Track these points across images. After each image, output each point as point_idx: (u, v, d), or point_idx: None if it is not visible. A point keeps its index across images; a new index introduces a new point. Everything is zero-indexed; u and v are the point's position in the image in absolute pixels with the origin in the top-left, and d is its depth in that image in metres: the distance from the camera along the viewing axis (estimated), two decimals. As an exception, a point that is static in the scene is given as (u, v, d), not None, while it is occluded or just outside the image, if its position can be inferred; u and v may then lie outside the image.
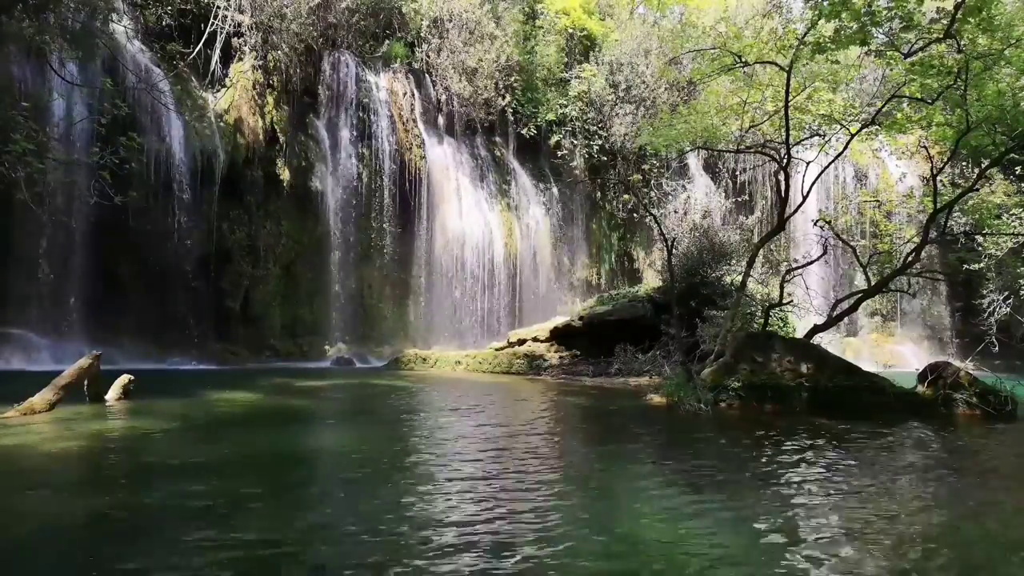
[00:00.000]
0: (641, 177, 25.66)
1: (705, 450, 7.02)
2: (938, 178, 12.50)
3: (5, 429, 6.51)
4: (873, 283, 12.89)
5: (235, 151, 18.47)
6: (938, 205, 11.66)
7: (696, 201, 20.89)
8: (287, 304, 19.69)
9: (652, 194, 24.69)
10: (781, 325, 15.14)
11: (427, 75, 23.19)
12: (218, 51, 18.74)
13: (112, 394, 8.67)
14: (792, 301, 13.74)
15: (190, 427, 7.36)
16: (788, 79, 11.17)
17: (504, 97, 23.88)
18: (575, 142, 25.11)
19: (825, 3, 10.00)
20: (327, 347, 19.70)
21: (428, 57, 23.11)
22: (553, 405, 10.39)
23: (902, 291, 18.79)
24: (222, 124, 18.35)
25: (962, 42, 9.89)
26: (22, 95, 13.46)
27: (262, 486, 4.89)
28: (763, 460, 6.12)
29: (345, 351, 19.44)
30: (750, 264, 12.88)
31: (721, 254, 16.80)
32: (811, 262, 13.73)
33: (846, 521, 4.19)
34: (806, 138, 13.23)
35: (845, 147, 13.04)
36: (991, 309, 20.14)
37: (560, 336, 17.22)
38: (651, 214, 16.17)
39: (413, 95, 22.59)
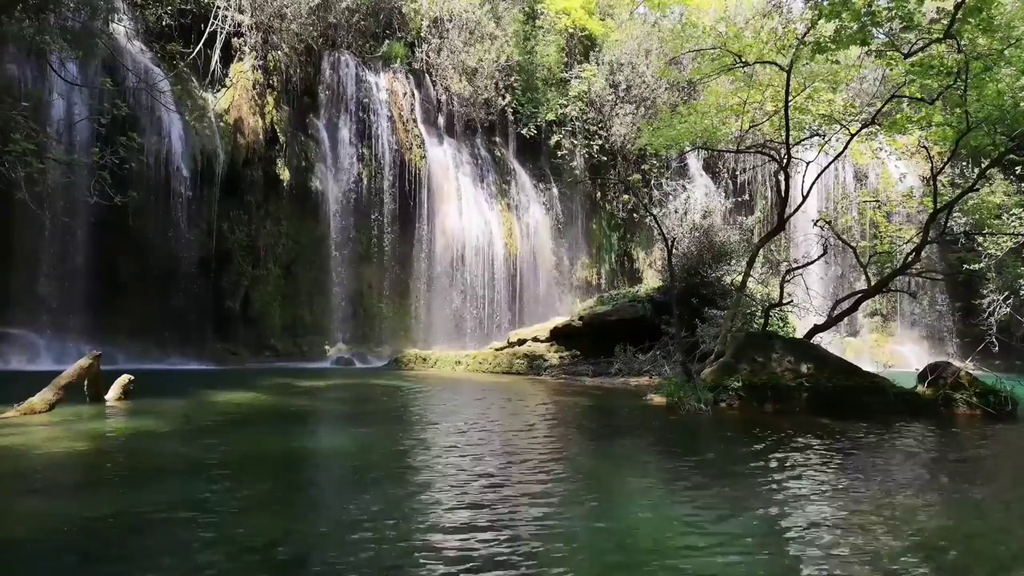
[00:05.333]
0: (641, 177, 25.67)
1: (705, 450, 7.02)
2: (938, 178, 12.50)
3: (5, 429, 6.50)
4: (873, 283, 12.89)
5: (235, 151, 18.47)
6: (938, 205, 11.66)
7: (696, 201, 20.88)
8: (287, 304, 19.68)
9: (652, 194, 24.70)
10: (781, 325, 15.14)
11: (427, 75, 23.18)
12: (218, 51, 18.74)
13: (112, 394, 8.67)
14: (792, 301, 13.74)
15: (190, 427, 7.36)
16: (788, 79, 11.18)
17: (504, 97, 23.88)
18: (575, 142, 25.11)
19: (825, 3, 10.00)
20: (327, 347, 19.70)
21: (428, 57, 23.11)
22: (553, 405, 10.39)
23: (902, 291, 18.81)
24: (222, 124, 18.35)
25: (962, 42, 9.88)
26: (22, 95, 13.45)
27: (262, 487, 4.89)
28: (763, 460, 6.11)
29: (345, 351, 19.44)
30: (750, 264, 12.88)
31: (721, 254, 16.79)
32: (811, 262, 13.74)
33: (846, 520, 4.19)
34: (806, 138, 13.23)
35: (845, 147, 13.05)
36: (991, 309, 20.14)
37: (560, 336, 17.22)
38: (651, 214, 16.19)
39: (413, 95, 22.59)
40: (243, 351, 18.25)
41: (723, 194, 25.96)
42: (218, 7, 18.46)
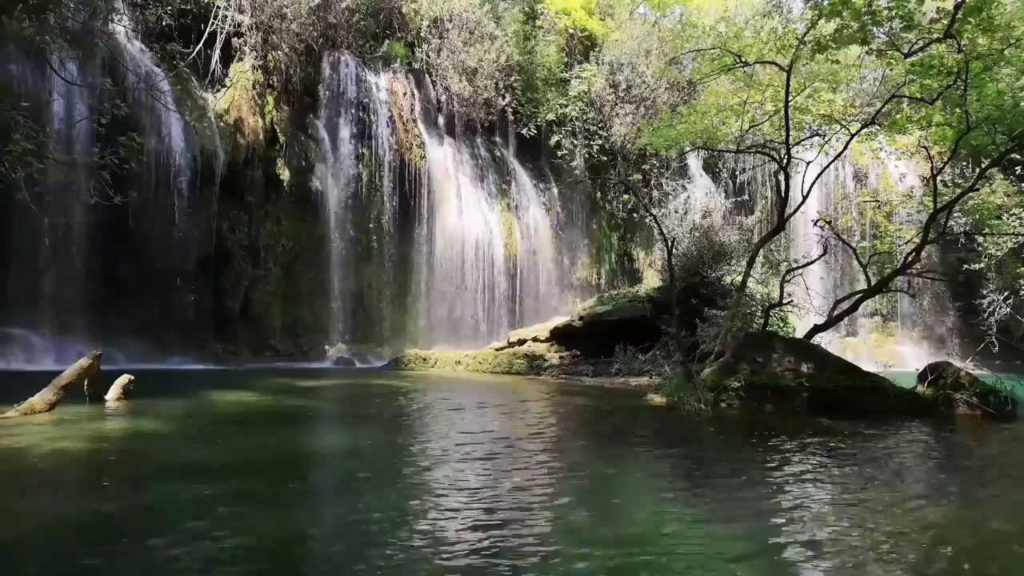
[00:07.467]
0: (641, 177, 25.65)
1: (705, 450, 7.02)
2: (938, 178, 12.50)
3: (5, 429, 6.50)
4: (873, 283, 12.89)
5: (235, 151, 18.46)
6: (938, 205, 11.66)
7: (696, 201, 20.88)
8: (287, 304, 19.68)
9: (652, 194, 24.69)
10: (781, 325, 15.12)
11: (427, 75, 23.18)
12: (218, 51, 18.74)
13: (112, 394, 8.66)
14: (792, 301, 13.73)
15: (190, 427, 7.36)
16: (788, 79, 11.17)
17: (504, 97, 23.87)
18: (575, 142, 25.10)
19: (825, 2, 9.99)
20: (327, 347, 19.70)
21: (428, 57, 23.10)
22: (553, 405, 10.39)
23: (902, 291, 18.80)
24: (222, 124, 18.34)
25: (962, 42, 9.88)
26: (22, 95, 13.44)
27: (262, 487, 4.88)
28: (763, 460, 6.12)
29: (345, 351, 19.43)
30: (750, 264, 12.87)
31: (721, 254, 16.79)
32: (811, 262, 13.73)
33: (846, 520, 4.19)
34: (806, 138, 13.23)
35: (845, 147, 13.03)
36: (991, 309, 20.10)
37: (560, 336, 17.22)
38: (651, 214, 16.17)
39: (413, 95, 22.58)
40: (243, 351, 18.25)
41: (723, 194, 25.93)
42: (218, 7, 18.46)
